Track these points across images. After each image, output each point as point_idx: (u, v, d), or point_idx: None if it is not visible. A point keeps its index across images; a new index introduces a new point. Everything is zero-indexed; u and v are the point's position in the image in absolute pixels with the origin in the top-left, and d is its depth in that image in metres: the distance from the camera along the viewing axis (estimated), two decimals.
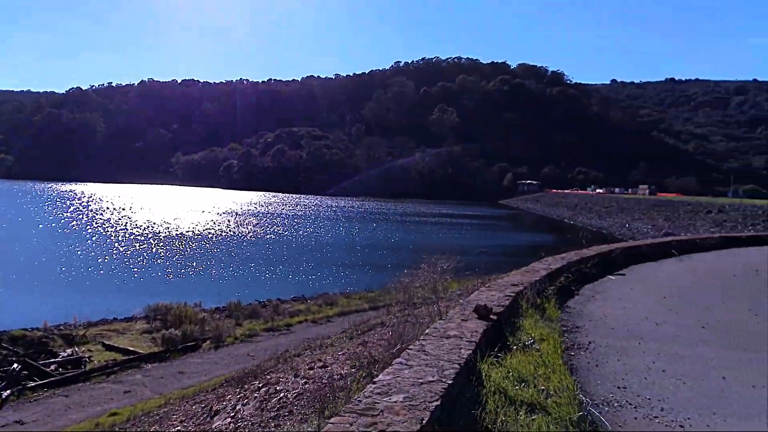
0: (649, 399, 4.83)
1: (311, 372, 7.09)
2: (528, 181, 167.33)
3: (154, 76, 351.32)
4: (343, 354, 7.81)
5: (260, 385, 7.42)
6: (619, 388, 5.09)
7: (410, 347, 4.76)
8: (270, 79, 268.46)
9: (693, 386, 5.26)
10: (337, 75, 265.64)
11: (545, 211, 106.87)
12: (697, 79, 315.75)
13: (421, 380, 3.87)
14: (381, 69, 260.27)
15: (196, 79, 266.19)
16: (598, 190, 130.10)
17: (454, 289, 15.32)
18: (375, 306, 22.23)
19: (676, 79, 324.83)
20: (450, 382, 3.87)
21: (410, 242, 47.31)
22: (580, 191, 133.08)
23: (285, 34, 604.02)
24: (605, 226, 69.22)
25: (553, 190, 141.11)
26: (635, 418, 4.38)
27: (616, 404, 4.67)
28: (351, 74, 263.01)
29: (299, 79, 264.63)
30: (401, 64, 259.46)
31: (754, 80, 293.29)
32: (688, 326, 7.75)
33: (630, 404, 4.68)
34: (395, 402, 3.47)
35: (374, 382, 3.83)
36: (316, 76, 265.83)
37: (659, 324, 7.81)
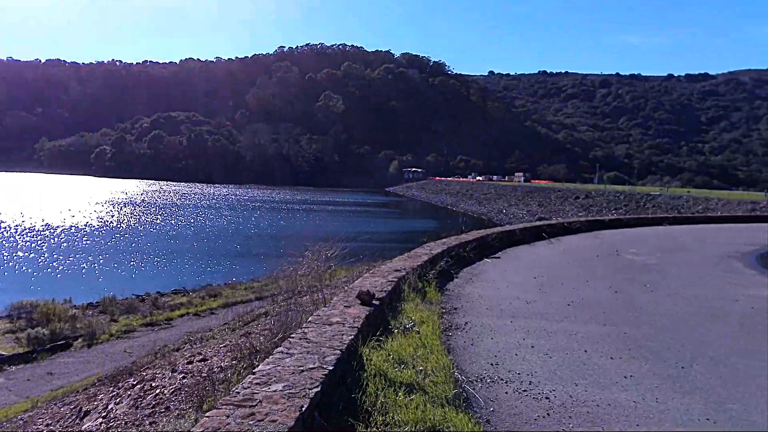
0: (519, 374, 5.15)
1: (190, 366, 6.86)
2: (413, 169, 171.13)
3: (14, 54, 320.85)
4: (224, 346, 7.63)
5: (135, 383, 7.08)
6: (492, 365, 5.37)
7: (292, 336, 4.75)
8: (145, 61, 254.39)
9: (558, 360, 5.66)
10: (218, 58, 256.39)
11: (429, 198, 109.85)
12: (566, 72, 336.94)
13: (302, 368, 3.88)
14: (265, 53, 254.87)
15: (62, 59, 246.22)
16: (478, 178, 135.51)
17: (341, 276, 15.41)
18: (261, 296, 21.79)
19: (548, 71, 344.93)
20: (331, 368, 3.91)
21: (296, 230, 46.95)
22: (461, 179, 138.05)
23: (162, 14, 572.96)
24: (485, 212, 72.37)
25: (437, 178, 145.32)
26: (506, 393, 4.65)
27: (489, 380, 4.93)
28: (233, 58, 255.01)
29: (177, 62, 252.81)
30: (285, 49, 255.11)
31: (617, 74, 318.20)
32: (556, 304, 8.31)
33: (501, 380, 4.96)
34: (275, 391, 3.45)
35: (254, 373, 3.79)
36: (195, 58, 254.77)
37: (530, 303, 8.32)
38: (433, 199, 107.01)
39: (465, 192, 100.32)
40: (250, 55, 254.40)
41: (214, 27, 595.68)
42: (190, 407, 5.14)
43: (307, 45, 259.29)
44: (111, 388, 7.72)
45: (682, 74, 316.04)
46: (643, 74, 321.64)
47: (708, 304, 8.74)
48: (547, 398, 4.58)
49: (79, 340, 18.39)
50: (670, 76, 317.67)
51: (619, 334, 6.76)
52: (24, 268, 31.33)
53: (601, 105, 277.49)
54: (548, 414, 4.25)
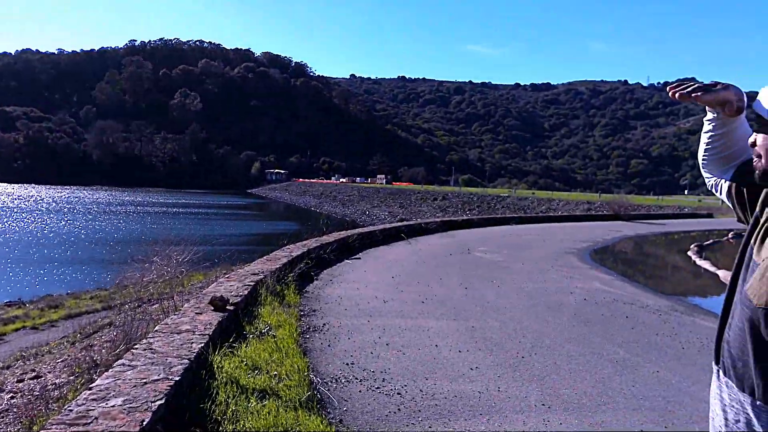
0: (373, 372, 5.26)
1: (21, 384, 6.22)
2: (276, 170, 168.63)
3: None
4: (62, 361, 7.02)
5: None
6: (347, 364, 5.44)
7: (137, 346, 4.49)
8: None
9: (411, 356, 5.86)
10: (60, 50, 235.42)
11: (293, 200, 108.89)
12: (424, 78, 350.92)
13: (145, 380, 3.68)
14: (114, 47, 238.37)
15: None
16: (341, 180, 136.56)
17: (198, 281, 14.83)
18: (109, 305, 20.33)
19: (407, 77, 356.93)
20: (177, 378, 3.75)
21: (149, 234, 44.38)
22: (325, 180, 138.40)
23: None
24: (348, 214, 73.03)
25: (300, 180, 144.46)
26: (360, 391, 4.73)
27: (344, 380, 4.98)
28: (78, 50, 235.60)
29: (13, 53, 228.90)
30: (137, 44, 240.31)
31: (470, 82, 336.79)
32: (411, 302, 8.60)
33: (356, 378, 5.04)
34: (113, 406, 3.24)
35: (90, 388, 3.53)
36: (34, 50, 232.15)
37: (387, 301, 8.54)
38: (297, 200, 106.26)
39: (329, 194, 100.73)
40: (96, 48, 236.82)
41: (55, 17, 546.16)
42: (18, 429, 4.67)
43: (161, 40, 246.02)
44: None
45: (528, 83, 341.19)
46: (493, 82, 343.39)
47: (547, 297, 9.49)
48: (399, 394, 4.72)
49: None
50: (517, 84, 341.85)
51: (468, 328, 7.14)
52: None
53: (456, 111, 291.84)
54: (399, 409, 4.39)
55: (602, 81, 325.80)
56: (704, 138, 1.80)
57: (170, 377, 3.76)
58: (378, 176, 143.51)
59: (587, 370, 5.65)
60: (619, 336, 7.11)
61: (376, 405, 4.45)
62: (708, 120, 1.75)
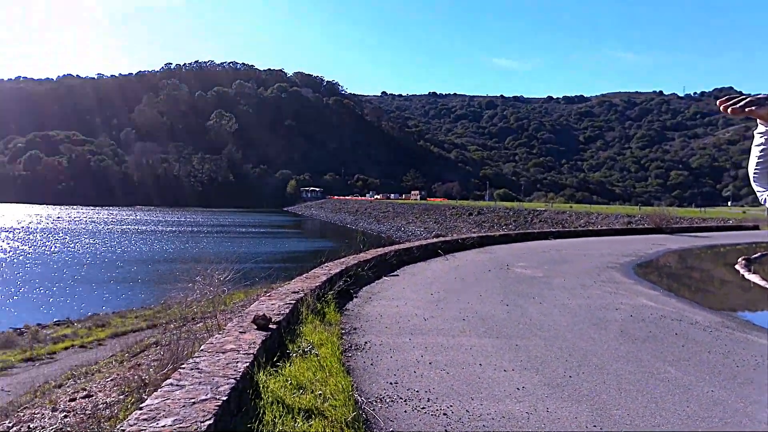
0: (417, 391, 5.20)
1: (73, 403, 6.34)
2: (311, 188, 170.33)
3: None
4: (111, 380, 7.14)
5: (10, 425, 6.44)
6: (391, 384, 5.39)
7: (183, 366, 4.54)
8: (19, 77, 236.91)
9: (455, 374, 5.78)
10: (100, 75, 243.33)
11: (329, 217, 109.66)
12: (455, 94, 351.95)
13: (193, 400, 3.71)
14: (151, 71, 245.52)
15: None
16: (376, 196, 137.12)
17: (239, 300, 14.99)
18: (154, 324, 20.67)
19: (438, 93, 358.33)
20: (225, 398, 3.77)
21: (190, 253, 45.18)
22: (360, 197, 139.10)
23: (37, 29, 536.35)
24: (384, 230, 73.10)
25: (335, 197, 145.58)
26: (405, 411, 4.68)
27: (388, 400, 4.94)
28: (116, 75, 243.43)
29: (54, 79, 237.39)
30: (173, 67, 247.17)
31: (501, 96, 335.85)
32: (451, 319, 8.51)
33: (401, 398, 4.99)
34: (164, 426, 3.27)
35: (141, 408, 3.58)
36: (74, 75, 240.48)
37: (427, 319, 8.47)
38: (333, 218, 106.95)
39: (364, 210, 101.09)
40: (134, 73, 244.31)
41: (94, 44, 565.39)
42: None
43: (195, 62, 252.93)
44: None
45: (560, 96, 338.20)
46: (525, 96, 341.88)
47: (591, 314, 9.28)
48: (445, 414, 4.65)
49: None
50: (550, 98, 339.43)
51: (512, 346, 7.02)
52: None
53: (488, 125, 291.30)
54: (446, 430, 4.32)
55: (636, 92, 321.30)
56: (755, 151, 1.73)
57: (217, 397, 3.78)
58: (412, 192, 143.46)
59: (638, 389, 5.48)
60: (669, 354, 6.89)
61: (423, 425, 4.39)
62: (759, 133, 1.68)
